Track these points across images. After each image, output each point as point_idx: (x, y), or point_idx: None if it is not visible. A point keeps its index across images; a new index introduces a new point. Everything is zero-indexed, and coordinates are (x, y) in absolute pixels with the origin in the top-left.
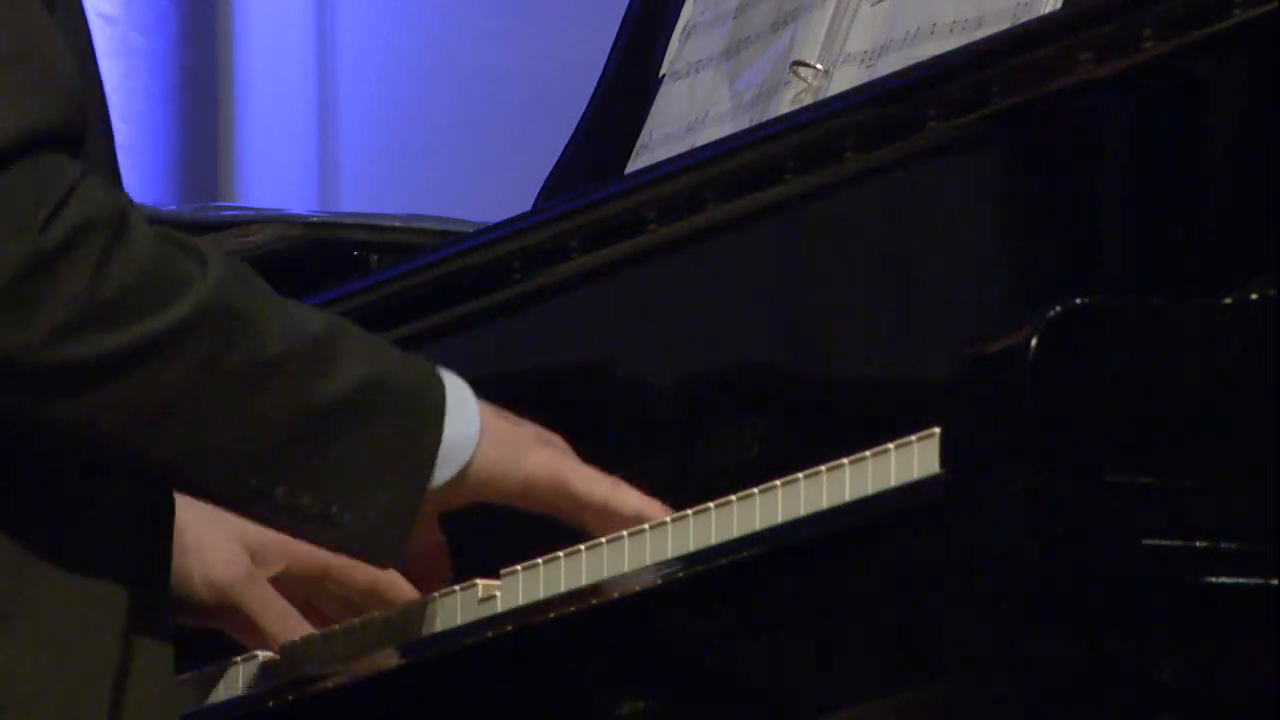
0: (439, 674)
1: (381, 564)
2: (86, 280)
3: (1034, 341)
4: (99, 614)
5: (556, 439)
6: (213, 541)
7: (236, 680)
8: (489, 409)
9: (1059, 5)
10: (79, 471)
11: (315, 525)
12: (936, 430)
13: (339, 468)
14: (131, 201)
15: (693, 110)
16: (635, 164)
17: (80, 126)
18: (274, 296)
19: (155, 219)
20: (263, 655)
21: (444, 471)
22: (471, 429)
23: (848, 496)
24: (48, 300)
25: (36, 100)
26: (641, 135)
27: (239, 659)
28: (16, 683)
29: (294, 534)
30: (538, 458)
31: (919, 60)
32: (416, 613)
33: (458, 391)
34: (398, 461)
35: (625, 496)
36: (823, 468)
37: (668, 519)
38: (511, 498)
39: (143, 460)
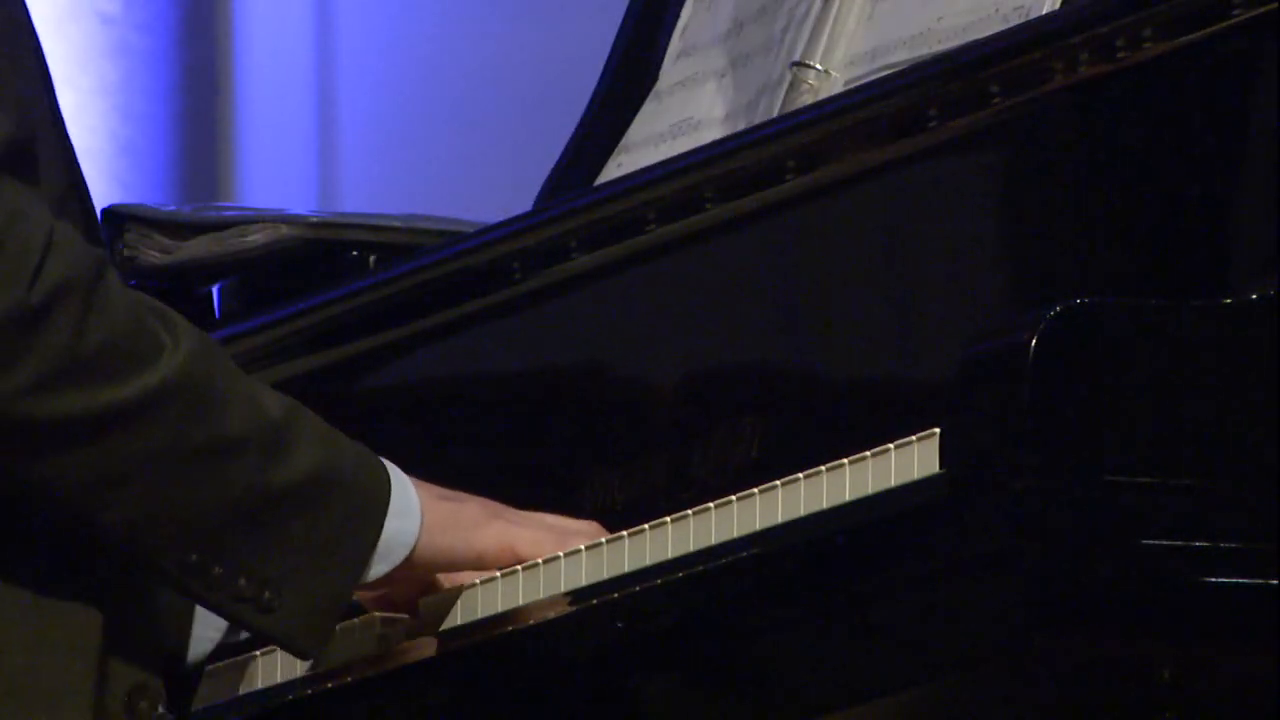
0: (441, 671)
1: (303, 657)
2: (67, 337)
3: (1034, 341)
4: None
5: (498, 506)
6: None
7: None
8: (432, 495)
9: (1059, 5)
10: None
11: (246, 609)
12: (936, 430)
13: (280, 553)
14: (107, 255)
15: (694, 112)
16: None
17: (22, 149)
18: (239, 373)
19: (156, 219)
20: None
21: (381, 566)
22: (412, 523)
23: (848, 496)
24: (31, 352)
25: None
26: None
27: (258, 653)
28: None
29: (222, 615)
30: (486, 534)
31: (919, 60)
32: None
33: (402, 486)
34: (335, 554)
35: (571, 545)
36: (823, 468)
37: (668, 519)
38: (466, 568)
39: (90, 524)
